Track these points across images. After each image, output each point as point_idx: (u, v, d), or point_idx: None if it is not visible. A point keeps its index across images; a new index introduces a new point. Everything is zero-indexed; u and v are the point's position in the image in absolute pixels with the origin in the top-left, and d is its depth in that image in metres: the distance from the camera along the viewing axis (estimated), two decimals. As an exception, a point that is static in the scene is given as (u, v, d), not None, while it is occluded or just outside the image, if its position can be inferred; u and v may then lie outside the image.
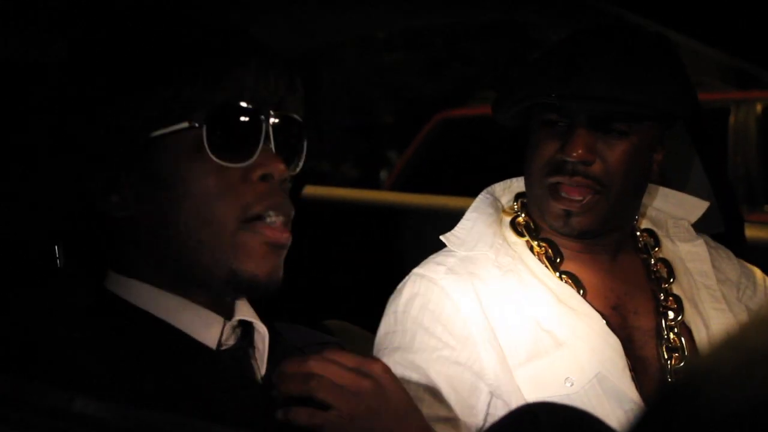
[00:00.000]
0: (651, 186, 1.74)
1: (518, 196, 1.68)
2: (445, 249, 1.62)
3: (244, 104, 1.11)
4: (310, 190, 3.00)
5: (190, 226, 1.09)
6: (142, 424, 0.77)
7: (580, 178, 1.52)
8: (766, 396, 0.53)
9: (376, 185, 8.12)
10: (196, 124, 1.09)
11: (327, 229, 3.22)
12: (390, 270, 1.76)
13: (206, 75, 1.10)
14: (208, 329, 1.13)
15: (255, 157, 1.10)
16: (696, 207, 1.76)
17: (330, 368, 1.06)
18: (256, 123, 1.11)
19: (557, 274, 1.58)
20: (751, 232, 2.10)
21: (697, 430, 0.53)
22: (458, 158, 4.96)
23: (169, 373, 1.08)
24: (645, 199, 1.72)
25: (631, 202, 1.61)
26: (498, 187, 1.71)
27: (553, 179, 1.54)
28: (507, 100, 1.61)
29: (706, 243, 1.75)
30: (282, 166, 1.11)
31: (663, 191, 1.77)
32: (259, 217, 1.11)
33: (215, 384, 1.11)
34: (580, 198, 1.53)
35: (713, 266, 1.71)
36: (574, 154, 1.51)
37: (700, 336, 1.61)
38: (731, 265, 1.74)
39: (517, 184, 1.71)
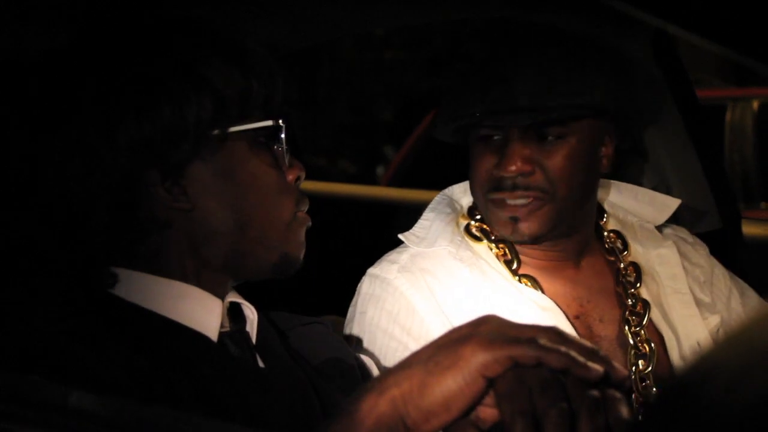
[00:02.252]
0: (621, 184, 1.70)
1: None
2: (399, 246, 1.60)
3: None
4: (306, 185, 3.00)
5: (253, 217, 1.13)
6: (138, 418, 0.77)
7: (520, 192, 1.49)
8: (766, 396, 0.53)
9: (372, 181, 8.12)
10: (279, 122, 1.14)
11: (323, 224, 3.21)
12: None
13: (262, 75, 1.14)
14: (210, 312, 1.13)
15: (288, 158, 1.18)
16: (666, 206, 1.71)
17: None
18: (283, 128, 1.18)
19: (516, 278, 1.54)
20: (748, 229, 2.10)
21: (698, 430, 0.53)
22: (454, 155, 4.96)
23: (176, 358, 1.07)
24: (614, 198, 1.67)
25: (582, 201, 1.55)
26: (457, 189, 1.68)
27: (495, 196, 1.51)
28: (440, 118, 1.59)
29: (681, 238, 1.70)
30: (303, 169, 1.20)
31: (633, 189, 1.72)
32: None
33: (221, 368, 1.11)
34: (525, 202, 1.49)
35: (688, 260, 1.66)
36: (511, 169, 1.47)
37: (671, 345, 1.56)
38: (705, 258, 1.69)
39: None
